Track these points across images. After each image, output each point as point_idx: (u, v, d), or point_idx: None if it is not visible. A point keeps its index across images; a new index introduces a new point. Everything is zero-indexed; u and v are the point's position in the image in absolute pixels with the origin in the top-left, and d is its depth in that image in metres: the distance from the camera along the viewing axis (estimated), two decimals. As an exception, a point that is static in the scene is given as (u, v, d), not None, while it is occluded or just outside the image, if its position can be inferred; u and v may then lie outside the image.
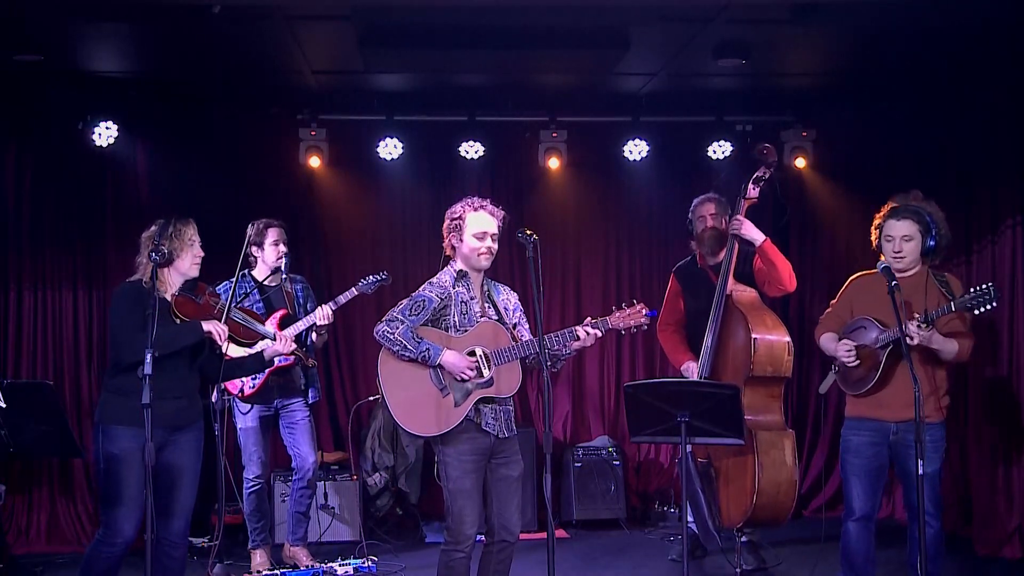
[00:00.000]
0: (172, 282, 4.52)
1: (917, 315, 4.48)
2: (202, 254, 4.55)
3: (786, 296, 6.16)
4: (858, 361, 4.67)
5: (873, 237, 4.79)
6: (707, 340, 5.69)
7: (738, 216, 5.71)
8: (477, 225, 4.47)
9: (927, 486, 4.49)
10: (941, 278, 4.63)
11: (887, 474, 4.77)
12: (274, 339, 4.82)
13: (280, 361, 5.82)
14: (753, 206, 5.76)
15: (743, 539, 5.77)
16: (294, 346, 4.85)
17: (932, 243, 4.64)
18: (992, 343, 6.36)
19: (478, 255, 4.47)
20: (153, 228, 4.52)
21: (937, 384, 4.64)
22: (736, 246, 5.71)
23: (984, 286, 4.36)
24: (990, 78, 6.33)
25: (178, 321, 4.45)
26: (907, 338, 4.38)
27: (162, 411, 4.21)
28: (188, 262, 4.50)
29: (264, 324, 4.88)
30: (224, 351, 4.59)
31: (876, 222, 4.77)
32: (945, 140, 6.82)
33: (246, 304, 5.91)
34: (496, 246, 4.52)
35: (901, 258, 4.64)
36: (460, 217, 4.49)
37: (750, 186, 5.75)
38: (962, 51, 6.10)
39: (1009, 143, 6.26)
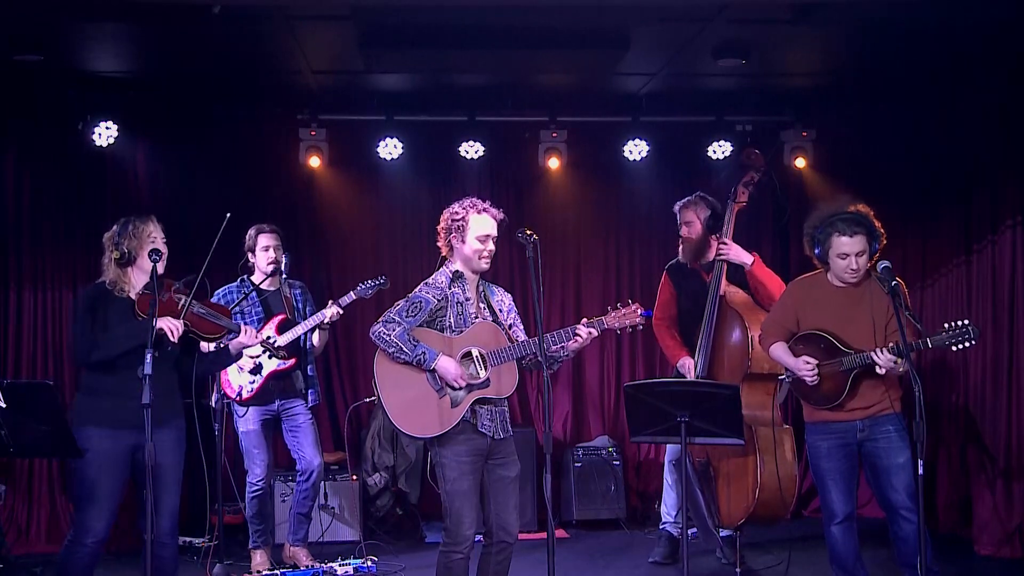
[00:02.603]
0: (136, 281, 4.49)
1: (891, 345, 4.42)
2: (165, 251, 4.48)
3: None
4: (819, 379, 4.63)
5: (808, 246, 4.70)
6: (702, 340, 5.72)
7: (725, 240, 5.77)
8: (480, 228, 4.46)
9: (905, 477, 4.49)
10: (881, 276, 4.50)
11: (859, 470, 4.75)
12: (239, 332, 4.65)
13: (280, 365, 5.83)
14: (743, 209, 5.83)
15: (723, 533, 5.78)
16: (260, 338, 4.78)
17: (876, 248, 4.62)
18: (994, 343, 6.35)
19: (479, 258, 4.47)
20: (114, 228, 4.50)
21: (893, 377, 4.61)
22: (725, 265, 5.76)
23: (962, 323, 4.31)
24: (990, 78, 6.32)
25: (140, 320, 4.38)
26: (877, 366, 4.41)
27: (130, 411, 4.17)
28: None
29: (230, 318, 4.77)
30: (173, 344, 4.42)
31: (810, 231, 4.66)
32: (945, 140, 6.81)
33: (245, 307, 5.90)
34: (495, 248, 4.53)
35: (856, 273, 4.60)
36: (463, 219, 4.47)
37: (740, 190, 5.82)
38: (962, 51, 6.09)
39: (1009, 143, 6.25)
